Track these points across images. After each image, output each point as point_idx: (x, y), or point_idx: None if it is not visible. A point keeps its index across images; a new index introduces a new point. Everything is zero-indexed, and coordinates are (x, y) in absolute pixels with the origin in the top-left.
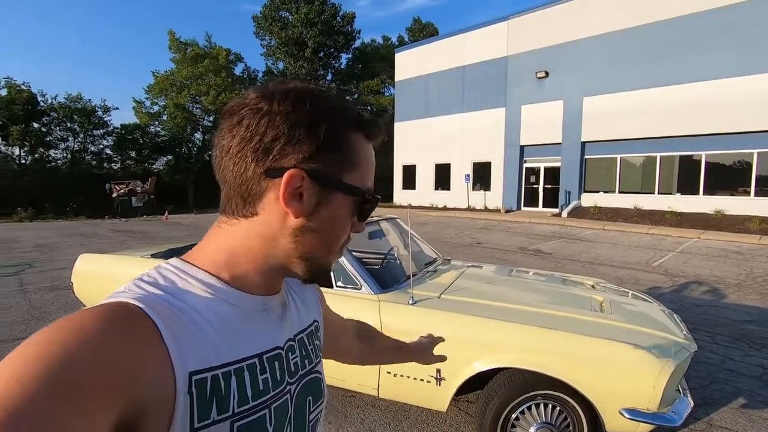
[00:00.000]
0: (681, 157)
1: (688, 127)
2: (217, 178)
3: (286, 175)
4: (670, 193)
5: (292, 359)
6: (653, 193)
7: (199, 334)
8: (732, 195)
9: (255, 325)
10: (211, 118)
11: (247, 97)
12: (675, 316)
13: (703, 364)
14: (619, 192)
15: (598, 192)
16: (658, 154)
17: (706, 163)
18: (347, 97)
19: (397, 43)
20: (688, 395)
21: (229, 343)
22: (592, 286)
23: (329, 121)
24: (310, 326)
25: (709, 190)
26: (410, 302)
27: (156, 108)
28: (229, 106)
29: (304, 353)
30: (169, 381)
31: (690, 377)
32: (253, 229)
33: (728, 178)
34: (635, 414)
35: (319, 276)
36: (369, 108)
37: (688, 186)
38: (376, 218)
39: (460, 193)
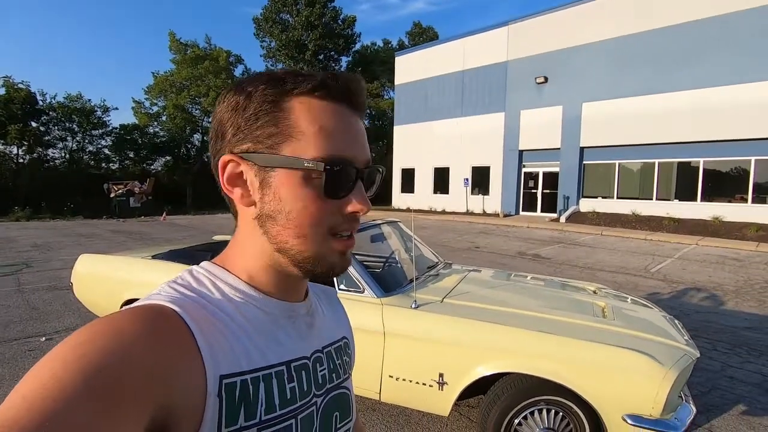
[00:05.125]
0: (679, 163)
1: (686, 134)
2: None
3: (219, 165)
4: (668, 200)
5: (320, 371)
6: (651, 199)
7: (231, 337)
8: (730, 202)
9: (282, 331)
10: (210, 120)
11: None
12: (676, 322)
13: (704, 370)
14: (618, 198)
15: (596, 197)
16: (657, 161)
17: (704, 169)
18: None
19: (397, 47)
20: (691, 402)
21: (259, 348)
22: (594, 292)
23: (254, 96)
24: (338, 341)
25: (707, 197)
26: (413, 306)
27: (155, 109)
28: None
29: (332, 367)
30: (201, 384)
31: (691, 384)
32: (241, 227)
33: (726, 184)
34: (638, 420)
35: (318, 271)
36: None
37: (686, 192)
38: (378, 221)
39: (459, 197)
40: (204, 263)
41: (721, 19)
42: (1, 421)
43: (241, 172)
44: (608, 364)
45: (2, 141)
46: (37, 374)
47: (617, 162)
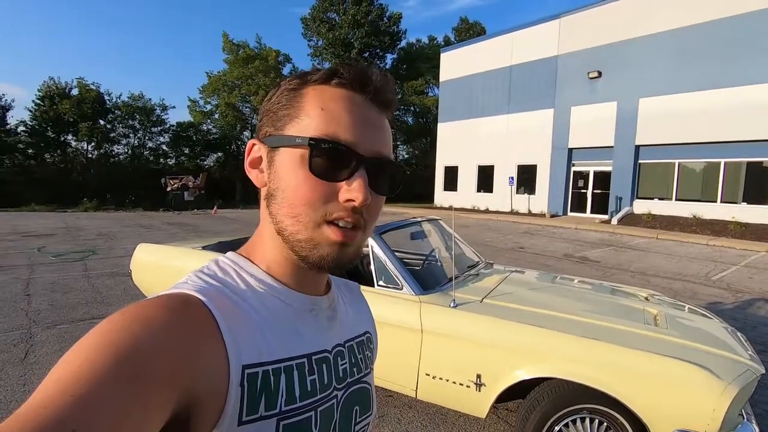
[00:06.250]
0: (749, 163)
1: (757, 131)
2: None
3: (246, 149)
4: (735, 202)
5: (341, 365)
6: (715, 201)
7: (254, 328)
8: None
9: (304, 324)
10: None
11: None
12: (739, 334)
13: None
14: (676, 199)
15: (652, 199)
16: (722, 160)
17: None
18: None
19: (442, 43)
20: (753, 421)
21: (281, 339)
22: (646, 298)
23: (281, 87)
24: (361, 336)
25: None
26: (452, 305)
27: (209, 107)
28: None
29: (353, 361)
30: (224, 373)
31: (755, 403)
32: (261, 215)
33: None
34: None
35: (311, 259)
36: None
37: (755, 195)
38: (418, 219)
39: (503, 196)
40: (230, 253)
41: None
42: (38, 402)
43: (260, 155)
44: (659, 374)
45: (74, 138)
46: (71, 359)
47: (677, 161)
